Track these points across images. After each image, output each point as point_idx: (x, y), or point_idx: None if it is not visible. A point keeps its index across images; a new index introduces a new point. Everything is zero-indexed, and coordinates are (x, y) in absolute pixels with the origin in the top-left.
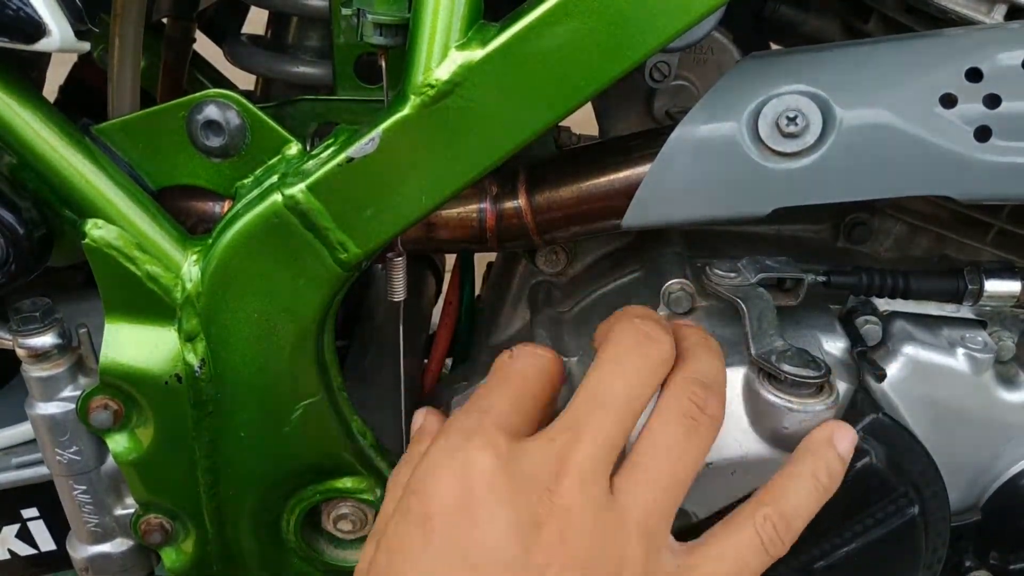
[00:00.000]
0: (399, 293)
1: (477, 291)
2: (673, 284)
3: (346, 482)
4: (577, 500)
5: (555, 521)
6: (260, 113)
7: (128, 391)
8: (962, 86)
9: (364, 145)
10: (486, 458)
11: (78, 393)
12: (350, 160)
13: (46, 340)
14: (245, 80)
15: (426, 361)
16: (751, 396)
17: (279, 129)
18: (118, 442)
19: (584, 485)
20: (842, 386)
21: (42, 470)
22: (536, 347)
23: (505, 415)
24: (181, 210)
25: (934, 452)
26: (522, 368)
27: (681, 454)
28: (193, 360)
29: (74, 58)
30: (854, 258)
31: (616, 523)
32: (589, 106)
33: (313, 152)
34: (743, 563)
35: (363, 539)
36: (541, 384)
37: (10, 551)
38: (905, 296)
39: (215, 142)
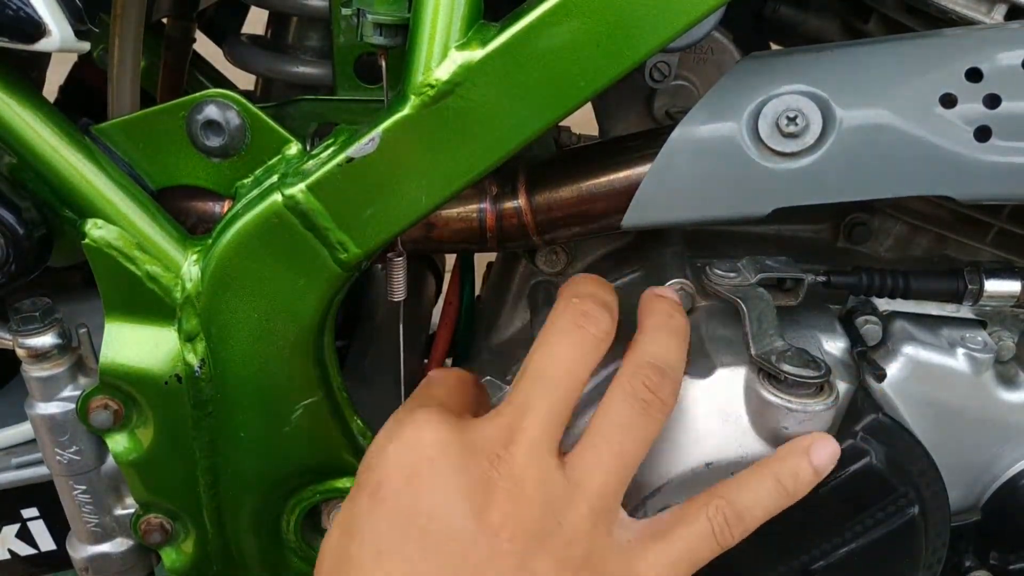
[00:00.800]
0: (399, 293)
1: (477, 291)
2: (673, 284)
3: (346, 482)
4: (528, 468)
5: (506, 487)
6: (260, 113)
7: (128, 391)
8: (962, 86)
9: (364, 145)
10: (434, 428)
11: (78, 393)
12: (350, 160)
13: (46, 340)
14: (245, 80)
15: (426, 361)
16: (751, 396)
17: (279, 129)
18: (118, 442)
19: (534, 454)
20: (842, 386)
21: (42, 470)
22: (447, 368)
23: (444, 401)
24: (181, 210)
25: (934, 452)
26: (442, 379)
27: (631, 434)
28: (193, 360)
29: (74, 58)
30: (854, 258)
31: (566, 495)
32: (589, 106)
33: (313, 152)
34: (692, 548)
35: None
36: (464, 389)
37: (10, 551)
38: (905, 296)
39: (215, 142)
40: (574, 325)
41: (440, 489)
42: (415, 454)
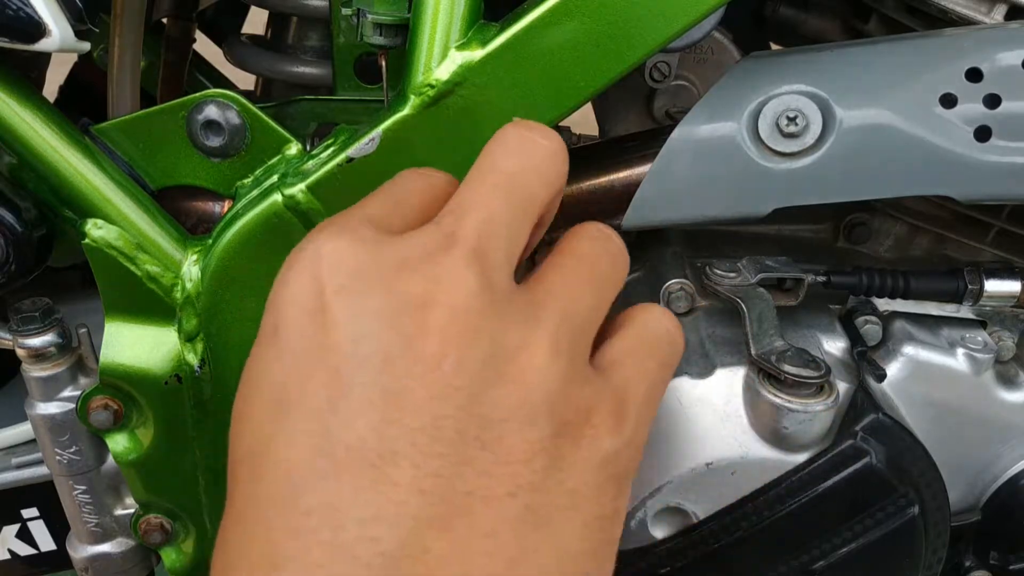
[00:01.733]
0: None
1: None
2: (673, 284)
3: None
4: (473, 276)
5: (446, 299)
6: (260, 113)
7: (128, 391)
8: (962, 86)
9: (364, 145)
10: (343, 243)
11: (78, 393)
12: (350, 160)
13: (46, 340)
14: (245, 80)
15: None
16: (751, 396)
17: (279, 129)
18: (118, 442)
19: (479, 259)
20: (842, 386)
21: (42, 470)
22: (425, 169)
23: (379, 213)
24: (181, 210)
25: (934, 452)
26: (406, 180)
27: (600, 264)
28: (193, 360)
29: (74, 58)
30: (854, 258)
31: (525, 312)
32: (589, 106)
33: (313, 152)
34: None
35: None
36: (426, 198)
37: (10, 551)
38: (905, 296)
39: (215, 142)
40: (523, 138)
41: (354, 318)
42: (318, 282)
